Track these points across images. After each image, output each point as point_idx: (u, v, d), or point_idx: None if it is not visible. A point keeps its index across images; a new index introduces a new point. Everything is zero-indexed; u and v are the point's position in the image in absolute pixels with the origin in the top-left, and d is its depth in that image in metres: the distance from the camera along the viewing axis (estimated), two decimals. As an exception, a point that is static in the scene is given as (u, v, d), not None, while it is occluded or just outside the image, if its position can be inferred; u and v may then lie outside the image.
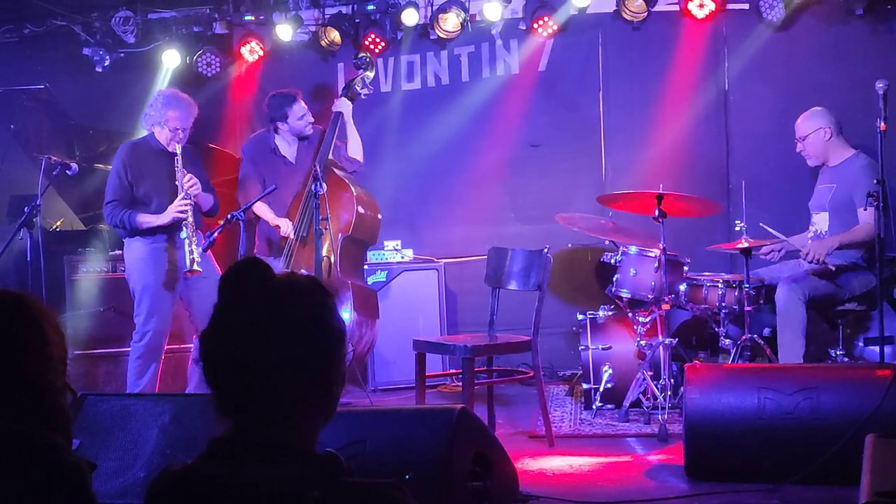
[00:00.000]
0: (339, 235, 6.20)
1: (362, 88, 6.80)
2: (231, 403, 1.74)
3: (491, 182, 7.64)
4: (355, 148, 6.53)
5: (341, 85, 7.71)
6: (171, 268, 5.69)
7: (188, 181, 5.64)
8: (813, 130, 5.95)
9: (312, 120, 6.48)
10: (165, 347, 5.75)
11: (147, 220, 5.63)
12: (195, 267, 5.52)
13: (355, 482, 1.67)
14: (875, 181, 5.17)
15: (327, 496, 1.62)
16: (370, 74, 6.89)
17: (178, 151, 5.65)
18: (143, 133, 5.98)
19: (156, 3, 7.74)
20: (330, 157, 6.43)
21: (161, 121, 5.69)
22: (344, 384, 1.84)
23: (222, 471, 1.68)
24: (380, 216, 6.51)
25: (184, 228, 5.59)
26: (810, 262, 5.63)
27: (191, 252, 5.53)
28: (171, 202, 5.65)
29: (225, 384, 1.74)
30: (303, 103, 6.43)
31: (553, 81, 7.57)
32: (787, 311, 5.58)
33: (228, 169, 6.85)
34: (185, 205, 5.60)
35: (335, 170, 6.39)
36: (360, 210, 6.25)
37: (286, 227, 6.19)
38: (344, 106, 6.58)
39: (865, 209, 5.58)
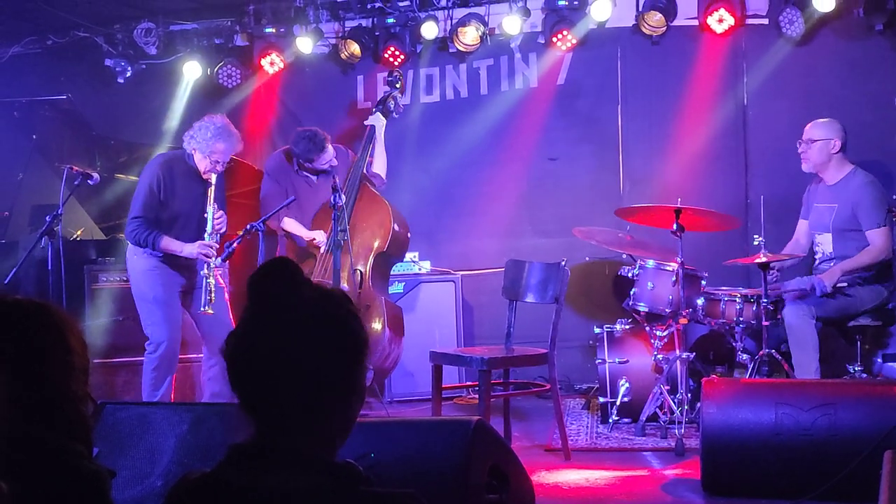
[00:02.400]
0: (374, 250, 6.22)
1: (394, 108, 6.84)
2: (253, 406, 1.74)
3: (509, 195, 7.65)
4: (380, 165, 6.56)
5: (361, 97, 7.77)
6: (180, 279, 5.70)
7: (218, 218, 5.63)
8: (823, 138, 5.90)
9: (336, 163, 6.45)
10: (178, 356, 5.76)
11: (172, 247, 5.57)
12: (209, 309, 5.50)
13: (373, 492, 1.68)
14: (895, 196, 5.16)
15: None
16: (400, 94, 6.92)
17: (213, 182, 5.61)
18: (166, 144, 5.99)
19: (177, 14, 7.80)
20: (364, 171, 6.46)
21: (206, 150, 5.61)
22: (363, 401, 1.84)
23: (241, 478, 1.69)
24: (409, 234, 6.55)
25: (206, 267, 5.56)
26: (820, 296, 5.62)
27: (208, 293, 5.50)
28: (196, 226, 5.65)
29: (249, 387, 1.74)
30: (330, 149, 6.40)
31: (571, 95, 7.58)
32: (796, 330, 5.56)
33: (248, 180, 6.89)
34: (213, 247, 5.57)
35: (370, 186, 6.43)
36: (396, 227, 6.29)
37: (321, 238, 6.23)
38: (377, 120, 6.60)
39: (884, 225, 5.56)
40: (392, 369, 6.50)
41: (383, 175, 6.57)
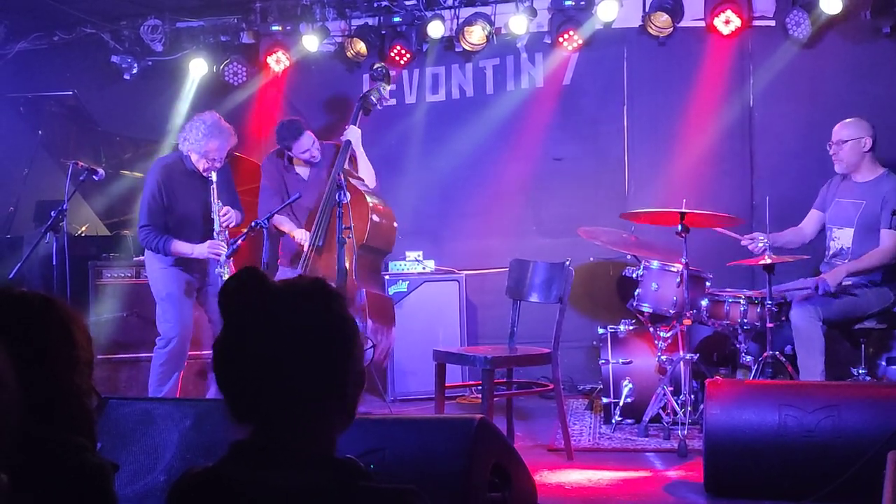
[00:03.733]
0: (355, 244, 6.20)
1: (378, 99, 6.79)
2: (243, 411, 1.75)
3: (514, 195, 7.65)
4: (366, 175, 6.48)
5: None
6: (195, 277, 5.72)
7: (224, 215, 5.66)
8: (855, 137, 5.84)
9: (318, 150, 6.41)
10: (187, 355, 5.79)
11: (183, 249, 5.62)
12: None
13: (375, 487, 1.68)
14: None
15: (348, 501, 1.64)
16: (386, 86, 6.88)
17: (214, 179, 5.65)
18: (171, 141, 6.01)
19: (184, 12, 7.81)
20: (346, 167, 6.42)
21: (201, 150, 5.64)
22: (363, 386, 1.84)
23: (243, 474, 1.69)
24: (395, 224, 6.49)
25: (219, 265, 5.60)
26: (823, 295, 5.60)
27: (228, 249, 5.54)
28: (204, 227, 5.68)
29: (236, 392, 1.75)
30: (309, 135, 6.36)
31: (577, 95, 7.58)
32: (802, 331, 5.54)
33: (253, 178, 6.89)
34: (222, 246, 5.60)
35: (351, 180, 6.40)
36: (375, 219, 6.25)
37: (301, 236, 6.23)
38: (352, 134, 6.51)
39: (892, 228, 5.54)
40: (383, 360, 6.47)
41: (371, 184, 6.51)
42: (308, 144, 6.36)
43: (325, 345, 1.74)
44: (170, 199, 5.68)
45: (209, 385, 5.91)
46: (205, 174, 5.68)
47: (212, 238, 5.64)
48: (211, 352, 5.43)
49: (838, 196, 6.00)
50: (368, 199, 6.28)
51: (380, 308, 6.22)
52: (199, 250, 5.62)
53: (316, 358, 1.73)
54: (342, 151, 6.46)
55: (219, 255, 5.59)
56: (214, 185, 5.65)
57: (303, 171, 6.48)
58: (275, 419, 1.72)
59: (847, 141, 5.85)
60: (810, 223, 6.16)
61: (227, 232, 5.69)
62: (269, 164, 6.55)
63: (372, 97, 6.74)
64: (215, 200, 5.64)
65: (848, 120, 5.94)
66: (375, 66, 6.94)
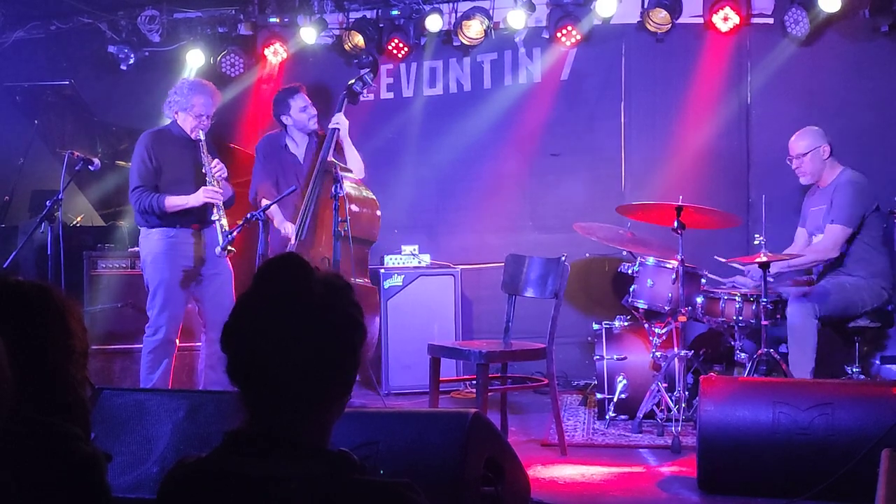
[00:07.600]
0: (335, 236, 6.16)
1: (362, 88, 6.75)
2: (252, 395, 1.74)
3: (510, 190, 7.65)
4: (354, 165, 6.39)
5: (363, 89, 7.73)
6: (189, 263, 5.71)
7: (216, 166, 5.66)
8: (812, 149, 5.91)
9: (315, 113, 6.41)
10: (178, 344, 5.78)
11: (178, 201, 5.61)
12: (230, 248, 5.50)
13: (369, 480, 1.68)
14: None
15: (341, 493, 1.63)
16: (372, 74, 6.83)
17: (202, 138, 5.67)
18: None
19: (181, 2, 7.79)
20: (330, 158, 6.36)
21: (187, 106, 5.68)
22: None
23: (236, 465, 1.69)
24: (378, 213, 6.33)
25: (215, 210, 5.60)
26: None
27: (225, 233, 5.52)
28: (197, 186, 5.65)
29: (248, 376, 1.74)
30: (305, 96, 6.40)
31: (575, 91, 7.58)
32: (798, 327, 5.56)
33: (248, 169, 6.88)
34: (217, 190, 5.60)
35: (338, 172, 6.36)
36: (354, 208, 6.16)
37: (288, 229, 6.18)
38: (341, 122, 6.40)
39: (848, 227, 5.58)
40: (368, 351, 6.43)
41: (358, 175, 6.41)
42: (306, 103, 6.36)
43: (345, 343, 1.76)
44: (159, 162, 5.68)
45: (201, 377, 5.90)
46: (192, 136, 5.70)
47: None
48: (200, 343, 5.32)
49: (809, 205, 6.08)
50: (346, 188, 6.23)
51: (362, 298, 6.15)
52: (193, 199, 5.61)
53: (333, 354, 1.73)
54: (327, 140, 6.38)
55: (215, 199, 5.58)
56: (203, 142, 5.66)
57: (299, 151, 6.45)
58: (278, 406, 1.71)
59: (807, 153, 5.91)
60: (799, 241, 6.17)
61: (221, 183, 5.67)
62: (264, 145, 6.54)
63: (356, 87, 6.69)
64: (205, 154, 5.65)
65: (801, 131, 5.98)
66: (360, 55, 6.91)
